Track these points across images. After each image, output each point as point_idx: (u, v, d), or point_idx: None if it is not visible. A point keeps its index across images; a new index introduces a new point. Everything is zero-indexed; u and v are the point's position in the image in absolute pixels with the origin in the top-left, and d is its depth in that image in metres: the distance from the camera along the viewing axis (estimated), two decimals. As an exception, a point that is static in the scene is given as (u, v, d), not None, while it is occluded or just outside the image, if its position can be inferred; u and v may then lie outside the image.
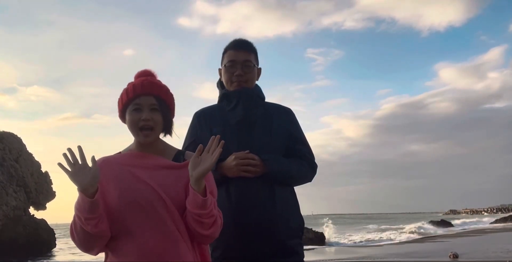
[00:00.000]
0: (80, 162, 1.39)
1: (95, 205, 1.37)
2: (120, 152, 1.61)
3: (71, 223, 1.45)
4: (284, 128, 2.01)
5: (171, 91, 1.60)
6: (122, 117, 1.58)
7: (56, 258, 17.32)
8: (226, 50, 2.05)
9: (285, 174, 1.92)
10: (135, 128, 1.52)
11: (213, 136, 1.48)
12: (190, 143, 1.96)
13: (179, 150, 1.63)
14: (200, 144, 1.45)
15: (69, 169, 1.39)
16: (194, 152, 1.46)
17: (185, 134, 2.05)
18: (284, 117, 2.05)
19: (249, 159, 1.85)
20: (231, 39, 2.08)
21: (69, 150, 1.40)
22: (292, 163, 1.95)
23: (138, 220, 1.42)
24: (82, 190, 1.36)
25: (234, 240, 1.78)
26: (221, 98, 2.04)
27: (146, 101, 1.52)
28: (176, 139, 1.68)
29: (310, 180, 2.06)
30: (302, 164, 1.99)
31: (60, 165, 1.39)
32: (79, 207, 1.38)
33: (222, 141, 1.47)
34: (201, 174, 1.41)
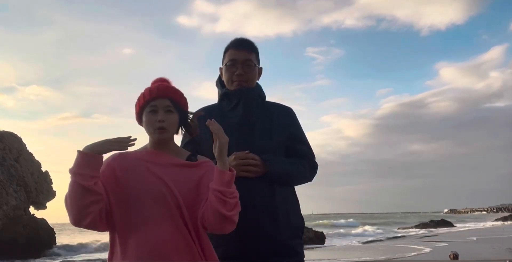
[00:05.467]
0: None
1: (99, 161, 1.45)
2: (135, 151, 1.65)
3: (67, 193, 1.45)
4: (284, 127, 2.00)
5: (185, 95, 1.67)
6: (139, 119, 1.64)
7: (56, 258, 17.32)
8: (227, 49, 2.03)
9: (286, 174, 1.91)
10: (150, 128, 1.59)
11: (208, 120, 1.54)
12: (189, 142, 1.93)
13: (191, 153, 1.67)
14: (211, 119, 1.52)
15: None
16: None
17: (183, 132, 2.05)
18: (284, 117, 2.04)
19: (249, 159, 1.84)
20: (230, 38, 2.08)
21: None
22: (292, 163, 1.94)
23: (149, 211, 1.46)
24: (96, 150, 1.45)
25: (234, 240, 1.77)
26: (222, 97, 2.02)
27: (161, 103, 1.59)
28: (176, 137, 1.70)
29: (310, 180, 2.05)
30: (303, 164, 1.99)
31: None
32: (80, 164, 1.42)
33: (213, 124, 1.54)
34: (220, 149, 1.49)
